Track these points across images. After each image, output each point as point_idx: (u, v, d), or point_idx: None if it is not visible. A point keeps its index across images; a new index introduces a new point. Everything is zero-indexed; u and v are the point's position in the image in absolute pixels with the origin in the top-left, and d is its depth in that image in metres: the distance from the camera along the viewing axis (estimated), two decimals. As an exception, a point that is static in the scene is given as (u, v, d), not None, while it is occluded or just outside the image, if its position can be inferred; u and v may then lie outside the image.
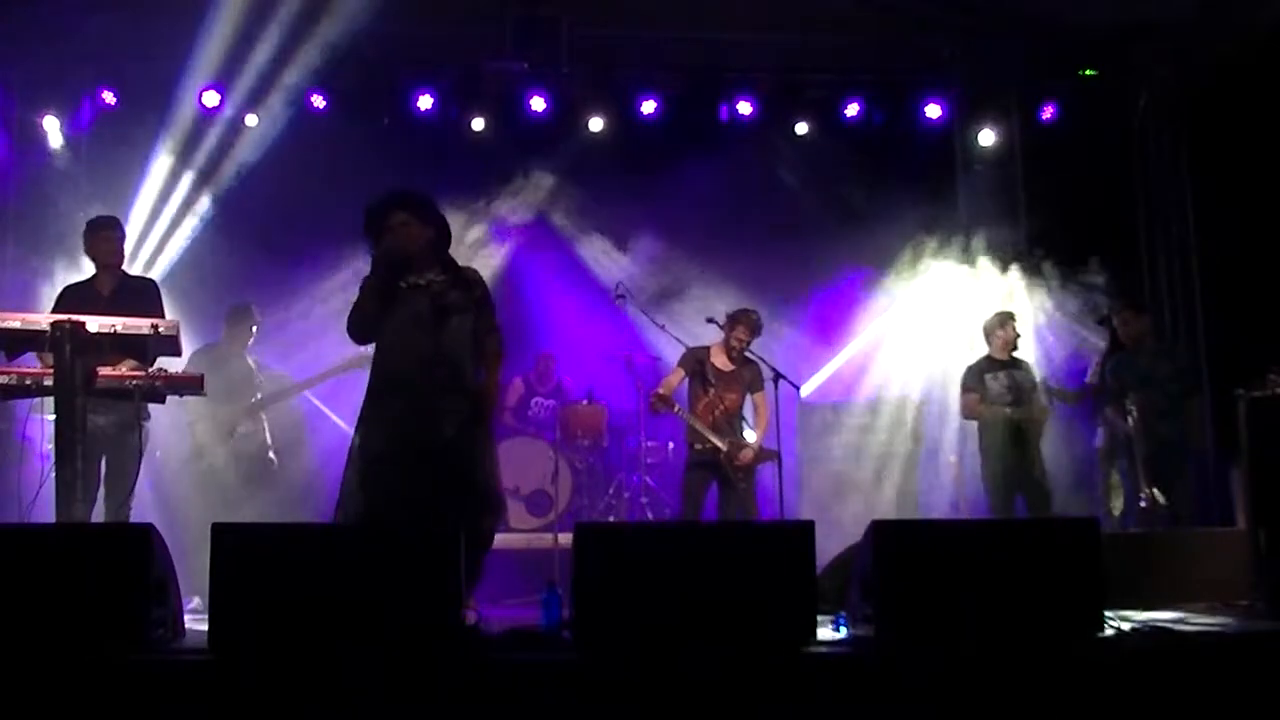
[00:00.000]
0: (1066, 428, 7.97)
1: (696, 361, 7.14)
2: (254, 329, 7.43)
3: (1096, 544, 4.18)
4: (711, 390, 7.05)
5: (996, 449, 7.39)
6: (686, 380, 7.16)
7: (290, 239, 8.61)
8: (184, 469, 6.99)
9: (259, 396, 7.32)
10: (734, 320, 7.14)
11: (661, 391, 7.02)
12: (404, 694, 3.55)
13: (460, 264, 4.89)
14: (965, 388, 7.62)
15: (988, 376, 7.53)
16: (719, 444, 6.92)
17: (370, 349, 4.80)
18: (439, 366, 4.54)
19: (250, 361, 7.41)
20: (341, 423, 7.69)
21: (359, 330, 4.73)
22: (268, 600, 3.83)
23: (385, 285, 4.64)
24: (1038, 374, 7.70)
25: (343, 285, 8.34)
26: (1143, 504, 6.99)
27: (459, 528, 3.93)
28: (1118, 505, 7.66)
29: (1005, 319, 7.65)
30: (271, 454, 7.27)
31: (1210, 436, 7.83)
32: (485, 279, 4.98)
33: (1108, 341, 7.80)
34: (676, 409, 7.03)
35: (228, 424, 7.11)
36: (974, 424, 7.67)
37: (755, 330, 7.14)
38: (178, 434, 7.01)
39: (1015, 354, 7.62)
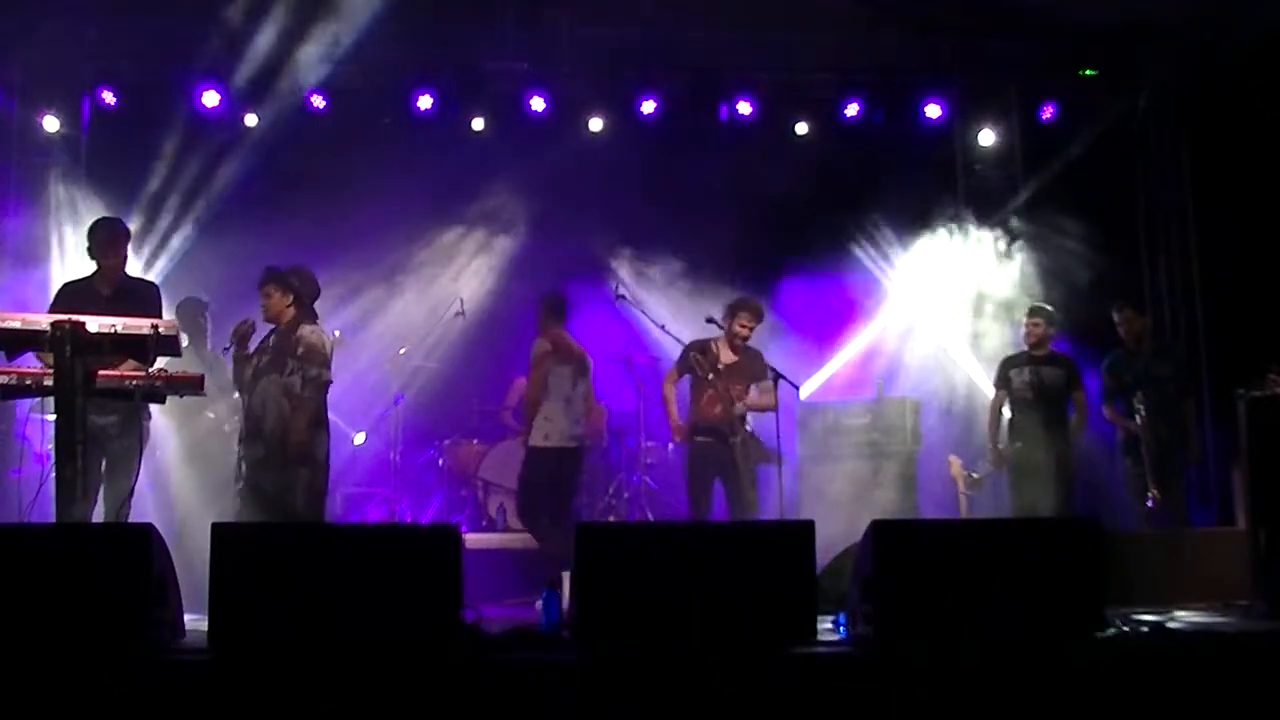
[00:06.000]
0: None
1: (697, 354, 6.98)
2: (206, 321, 7.23)
3: (1097, 544, 4.19)
4: (716, 383, 6.86)
5: (1019, 446, 7.37)
6: (688, 377, 7.05)
7: (291, 239, 8.58)
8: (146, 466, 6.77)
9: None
10: (735, 309, 7.02)
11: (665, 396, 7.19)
12: (404, 693, 3.54)
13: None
14: (996, 383, 7.64)
15: (1013, 371, 7.50)
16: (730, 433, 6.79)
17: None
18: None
19: (213, 355, 7.06)
20: (340, 422, 7.66)
21: None
22: (268, 600, 3.83)
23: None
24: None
25: (343, 284, 8.35)
26: (1149, 504, 6.98)
27: None
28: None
29: (1031, 313, 7.59)
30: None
31: (1210, 437, 7.82)
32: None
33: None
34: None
35: (194, 410, 6.77)
36: (972, 423, 7.66)
37: (758, 316, 7.03)
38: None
39: (1049, 349, 7.51)
